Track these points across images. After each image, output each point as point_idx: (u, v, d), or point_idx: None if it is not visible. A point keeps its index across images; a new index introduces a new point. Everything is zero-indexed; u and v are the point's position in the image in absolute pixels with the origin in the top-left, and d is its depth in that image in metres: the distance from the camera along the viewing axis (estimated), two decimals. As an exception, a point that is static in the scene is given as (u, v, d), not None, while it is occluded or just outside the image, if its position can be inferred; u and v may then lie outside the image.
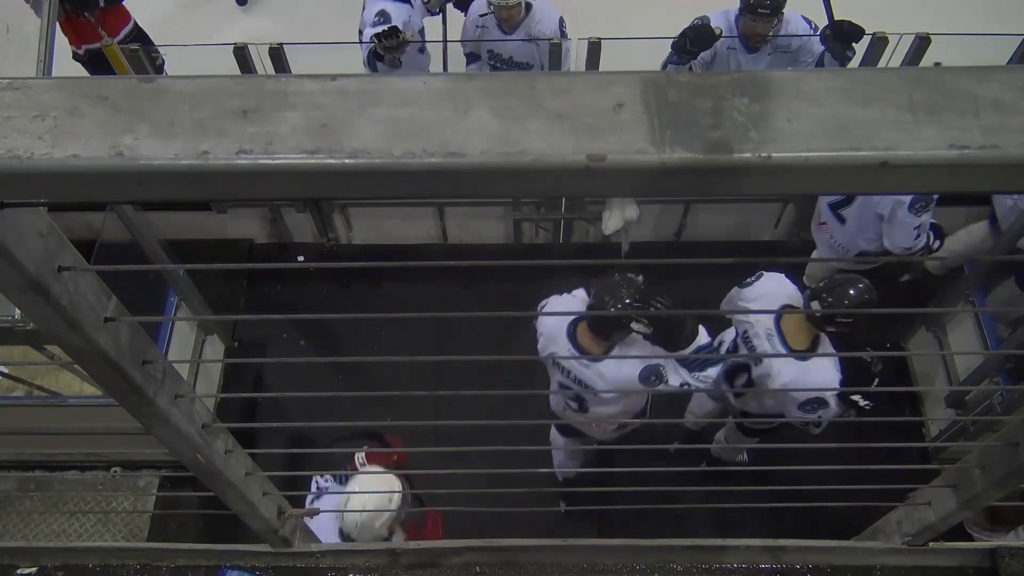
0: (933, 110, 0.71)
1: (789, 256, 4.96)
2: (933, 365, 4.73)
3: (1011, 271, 4.33)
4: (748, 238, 5.19)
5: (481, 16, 4.48)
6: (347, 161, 0.71)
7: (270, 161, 0.72)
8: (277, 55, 4.17)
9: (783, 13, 4.06)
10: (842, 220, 4.08)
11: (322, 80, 0.75)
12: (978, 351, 4.28)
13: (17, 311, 3.08)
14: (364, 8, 4.43)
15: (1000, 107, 0.70)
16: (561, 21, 4.43)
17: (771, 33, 4.10)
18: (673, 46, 4.02)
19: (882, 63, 4.13)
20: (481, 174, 0.72)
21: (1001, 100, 0.71)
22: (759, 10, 3.98)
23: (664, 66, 4.11)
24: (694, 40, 3.96)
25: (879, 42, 4.07)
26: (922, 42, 3.99)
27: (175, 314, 4.51)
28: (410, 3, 4.37)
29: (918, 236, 3.80)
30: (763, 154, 0.69)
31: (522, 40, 4.45)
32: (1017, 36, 4.12)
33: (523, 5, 4.32)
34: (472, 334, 4.76)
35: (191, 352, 4.66)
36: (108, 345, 1.13)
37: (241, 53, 4.11)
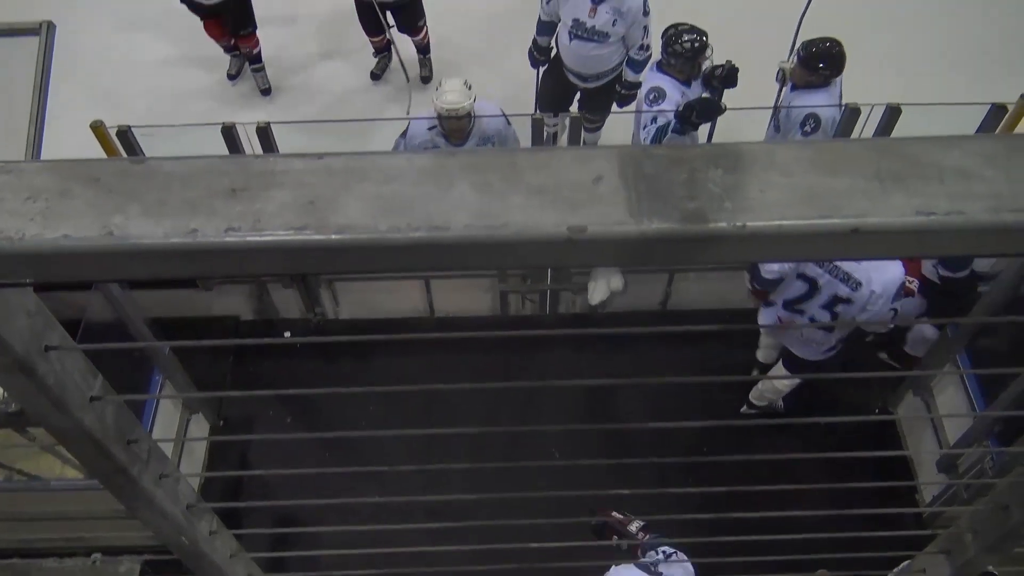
0: (900, 178, 0.74)
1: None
2: (923, 430, 4.73)
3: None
4: (733, 306, 5.22)
5: (428, 131, 4.40)
6: (334, 237, 0.73)
7: (258, 238, 0.73)
8: (264, 134, 4.25)
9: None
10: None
11: (309, 159, 0.77)
12: (965, 413, 4.29)
13: (-1, 393, 3.05)
14: None
15: (964, 174, 0.73)
16: (503, 113, 4.47)
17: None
18: (677, 116, 4.14)
19: (855, 133, 4.25)
20: (465, 247, 0.74)
21: (964, 168, 0.74)
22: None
23: (659, 133, 4.20)
24: (700, 113, 4.12)
25: (851, 113, 4.19)
26: (893, 112, 4.12)
27: (160, 393, 4.47)
28: None
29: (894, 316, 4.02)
30: (738, 223, 0.71)
31: (475, 147, 4.39)
32: (985, 105, 4.26)
33: (471, 114, 4.27)
34: (460, 407, 4.73)
35: (175, 432, 4.60)
36: (93, 425, 1.13)
37: (229, 132, 4.18)
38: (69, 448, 1.18)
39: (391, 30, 5.80)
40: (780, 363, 4.52)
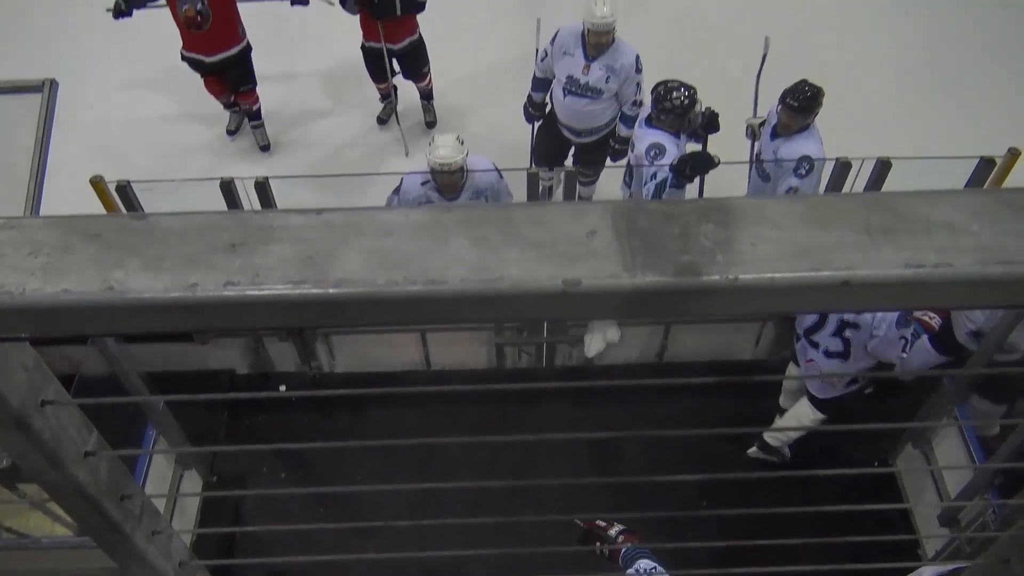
0: (888, 232, 0.75)
1: (770, 374, 4.98)
2: (923, 482, 4.69)
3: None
4: (730, 357, 5.22)
5: (422, 185, 4.43)
6: (331, 291, 0.74)
7: (257, 292, 0.74)
8: (263, 189, 4.28)
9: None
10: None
11: (308, 215, 0.79)
12: (965, 466, 4.26)
13: (-9, 449, 3.01)
14: None
15: (950, 228, 0.75)
16: (495, 167, 4.48)
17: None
18: (672, 170, 4.19)
19: (846, 186, 4.30)
20: (462, 300, 0.75)
21: (951, 222, 0.75)
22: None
23: (659, 189, 4.25)
24: (695, 166, 4.18)
25: (842, 167, 4.25)
26: (883, 166, 4.17)
27: (153, 448, 4.42)
28: None
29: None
30: (730, 276, 0.72)
31: (469, 200, 4.44)
32: (974, 159, 4.32)
33: (464, 168, 4.28)
34: (457, 460, 4.68)
35: (168, 487, 4.54)
36: (87, 480, 1.12)
37: (228, 188, 4.22)
38: (62, 504, 1.17)
39: (395, 77, 5.97)
40: (803, 399, 4.50)
